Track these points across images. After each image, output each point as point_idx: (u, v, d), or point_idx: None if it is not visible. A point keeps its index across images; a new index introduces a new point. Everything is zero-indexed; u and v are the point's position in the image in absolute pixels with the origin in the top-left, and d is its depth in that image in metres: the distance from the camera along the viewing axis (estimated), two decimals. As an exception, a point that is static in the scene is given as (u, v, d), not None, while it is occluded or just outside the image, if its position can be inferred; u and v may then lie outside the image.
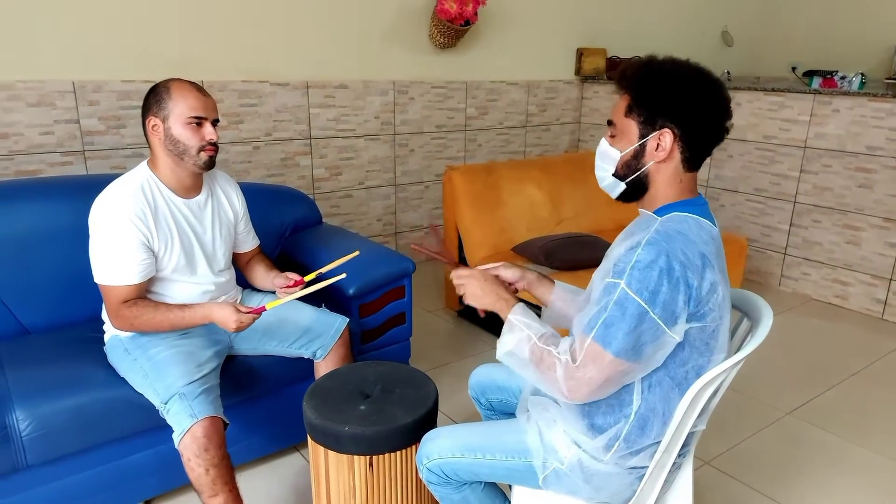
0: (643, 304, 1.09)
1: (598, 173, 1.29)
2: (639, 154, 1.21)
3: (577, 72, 4.36)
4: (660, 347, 1.12)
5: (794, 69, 5.03)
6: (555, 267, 2.73)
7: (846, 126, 3.28)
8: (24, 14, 2.45)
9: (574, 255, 2.75)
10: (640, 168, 1.22)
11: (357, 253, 1.82)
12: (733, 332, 1.40)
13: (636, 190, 1.25)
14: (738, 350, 1.34)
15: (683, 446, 1.25)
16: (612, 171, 1.25)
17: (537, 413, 1.33)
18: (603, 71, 4.36)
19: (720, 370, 1.16)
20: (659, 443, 1.22)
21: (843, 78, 3.72)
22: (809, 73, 4.76)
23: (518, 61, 4.06)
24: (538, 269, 2.73)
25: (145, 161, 1.72)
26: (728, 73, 4.35)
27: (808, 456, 2.18)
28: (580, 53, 4.30)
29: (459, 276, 1.37)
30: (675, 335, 1.12)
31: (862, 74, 3.65)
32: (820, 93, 3.36)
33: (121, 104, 2.75)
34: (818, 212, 3.47)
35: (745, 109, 3.65)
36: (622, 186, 1.26)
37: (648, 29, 4.61)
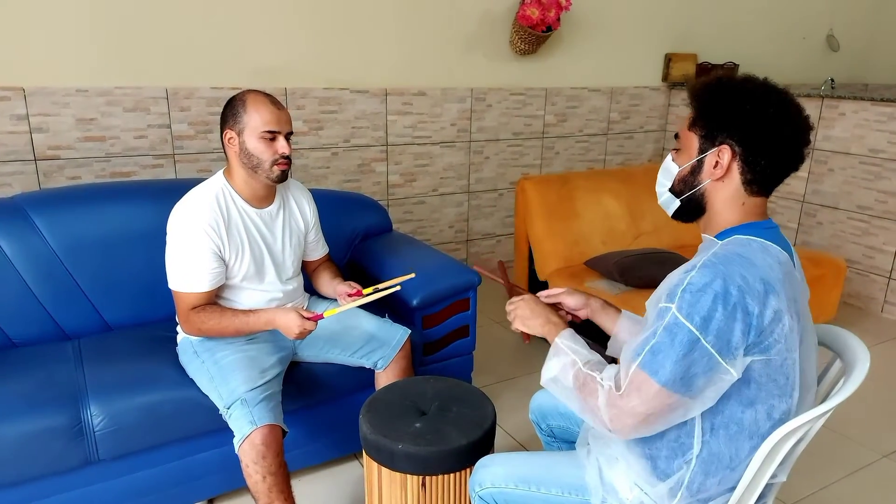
0: (694, 330, 1.00)
1: (658, 188, 1.24)
2: (696, 170, 1.15)
3: (665, 78, 4.17)
4: (713, 382, 1.02)
5: (907, 76, 4.62)
6: (630, 284, 2.61)
7: (968, 140, 2.97)
8: (121, 24, 2.59)
9: (651, 273, 2.61)
10: (697, 185, 1.15)
11: (412, 275, 1.81)
12: (823, 375, 1.28)
13: (692, 209, 1.19)
14: (828, 395, 1.22)
15: (760, 498, 1.15)
16: (669, 186, 1.20)
17: (598, 448, 1.26)
18: (693, 77, 4.16)
19: (805, 419, 1.04)
20: (730, 491, 1.12)
21: (965, 86, 3.38)
22: (926, 81, 4.36)
23: (601, 67, 3.94)
24: (612, 286, 2.63)
25: (222, 170, 1.77)
26: (832, 80, 4.04)
27: (908, 507, 1.97)
28: (668, 59, 4.12)
29: (512, 302, 1.34)
30: (733, 370, 1.01)
31: None
32: (938, 103, 3.06)
33: (209, 110, 2.86)
34: (931, 234, 3.15)
35: (850, 120, 3.37)
36: (676, 203, 1.20)
37: (743, 32, 4.35)
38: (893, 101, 3.21)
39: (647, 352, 1.03)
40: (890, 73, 4.84)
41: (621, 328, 1.39)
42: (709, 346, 1.00)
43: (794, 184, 3.58)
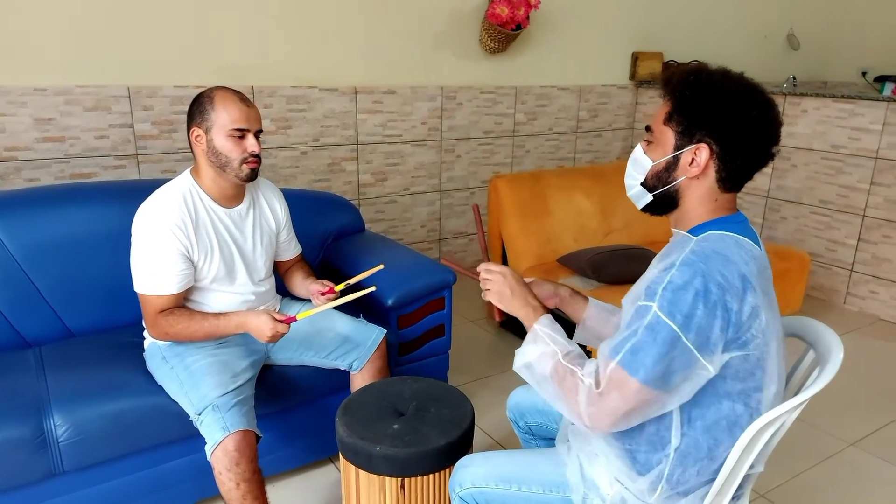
0: (676, 328, 1.00)
1: (627, 180, 1.21)
2: (671, 166, 1.13)
3: (632, 76, 4.22)
4: (690, 378, 1.03)
5: (864, 74, 4.77)
6: (602, 280, 2.62)
7: (923, 136, 3.06)
8: (81, 21, 2.51)
9: (623, 269, 2.63)
10: (671, 182, 1.14)
11: (381, 266, 1.79)
12: (796, 366, 1.29)
13: (664, 204, 1.17)
14: (801, 386, 1.24)
15: (738, 489, 1.16)
16: (642, 179, 1.18)
17: (578, 445, 1.25)
18: (659, 75, 4.21)
19: (783, 410, 1.06)
20: (709, 483, 1.13)
21: (919, 84, 3.49)
22: (881, 79, 4.51)
23: (570, 66, 3.96)
24: (585, 283, 2.64)
25: (189, 169, 1.72)
26: (794, 78, 4.14)
27: (873, 491, 2.02)
28: (635, 57, 4.17)
29: (489, 270, 1.27)
30: (710, 366, 1.02)
31: (942, 80, 3.40)
32: (894, 100, 3.14)
33: (173, 109, 2.79)
34: (889, 227, 3.24)
35: (812, 117, 3.45)
36: (648, 198, 1.18)
37: (708, 32, 4.43)
38: (853, 97, 3.30)
39: (628, 350, 1.03)
40: (847, 71, 4.98)
41: (589, 316, 1.39)
42: (689, 344, 1.00)
43: (759, 180, 3.65)
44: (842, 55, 5.06)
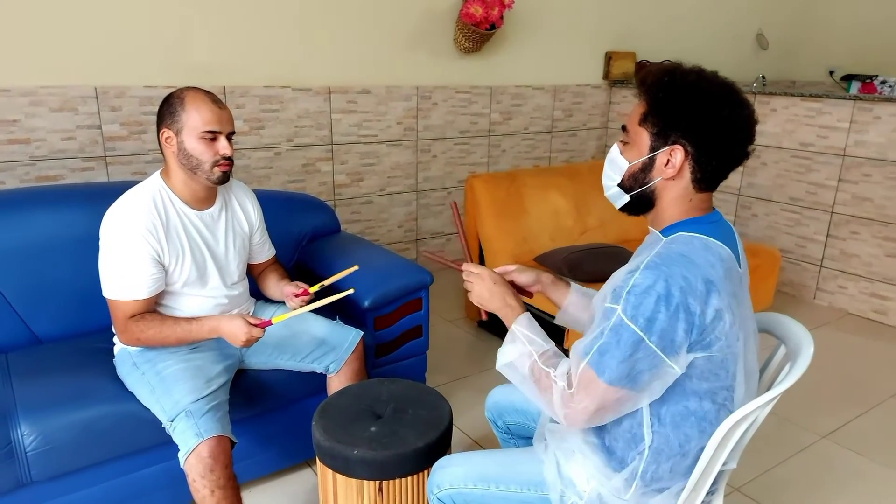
0: (639, 331, 1.01)
1: (605, 181, 1.23)
2: (647, 167, 1.14)
3: (606, 76, 4.25)
4: (658, 377, 1.05)
5: (831, 73, 4.87)
6: (578, 279, 2.63)
7: (888, 134, 3.13)
8: (46, 20, 2.45)
9: (599, 267, 2.65)
10: (647, 182, 1.15)
11: (355, 268, 1.78)
12: (768, 361, 1.31)
13: (641, 204, 1.19)
14: (773, 381, 1.25)
15: (713, 485, 1.17)
16: (619, 180, 1.19)
17: (555, 443, 1.26)
18: (632, 75, 4.25)
19: (755, 406, 1.07)
20: (683, 479, 1.14)
21: (883, 83, 3.57)
22: (848, 78, 4.60)
23: (544, 65, 3.98)
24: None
25: (159, 171, 1.69)
26: (763, 77, 4.20)
27: (844, 483, 2.06)
28: (609, 57, 4.20)
29: (469, 272, 1.31)
30: (676, 366, 1.04)
31: (905, 79, 3.49)
32: (860, 99, 3.21)
33: (143, 109, 2.74)
34: (857, 223, 3.31)
35: (781, 115, 3.51)
36: (626, 198, 1.19)
37: (680, 31, 4.48)
38: (821, 96, 3.36)
39: (595, 351, 1.05)
40: (815, 70, 5.08)
41: (571, 302, 1.41)
42: (653, 346, 1.02)
43: (731, 177, 3.66)
44: (809, 55, 5.16)
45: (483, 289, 1.28)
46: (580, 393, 1.07)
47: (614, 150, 1.20)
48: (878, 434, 2.33)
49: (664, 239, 1.12)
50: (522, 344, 1.18)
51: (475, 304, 1.30)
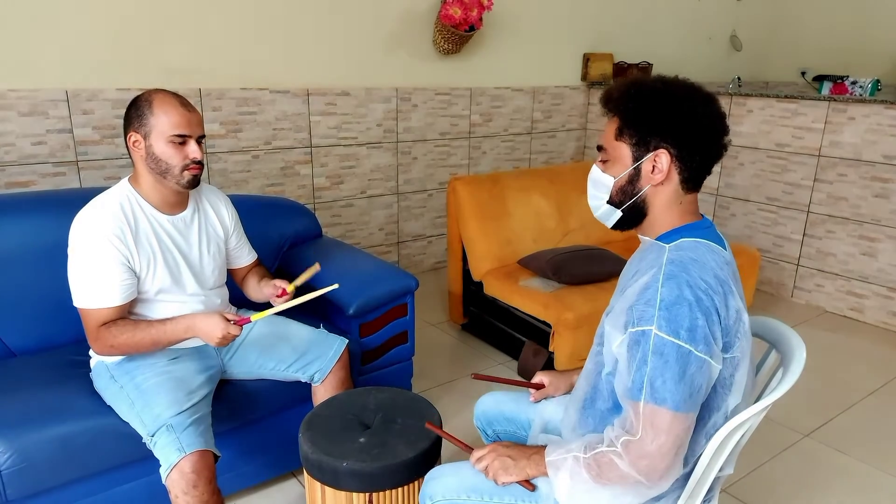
0: (684, 344, 0.99)
1: (592, 202, 1.22)
2: (634, 178, 1.14)
3: (584, 77, 4.27)
4: (711, 383, 1.04)
5: (803, 74, 4.94)
6: (563, 282, 2.63)
7: (862, 134, 3.19)
8: (15, 22, 2.37)
9: (584, 269, 2.65)
10: (637, 193, 1.15)
11: (317, 267, 1.76)
12: (760, 365, 1.31)
13: (634, 216, 1.18)
14: (766, 385, 1.25)
15: (709, 491, 1.16)
16: (607, 198, 1.18)
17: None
18: (610, 76, 4.27)
19: (753, 412, 1.06)
20: (680, 487, 1.13)
21: (854, 83, 3.62)
22: (819, 78, 4.67)
23: (523, 67, 3.98)
24: (546, 284, 2.64)
25: (127, 177, 1.64)
26: (738, 79, 4.25)
27: (829, 481, 2.08)
28: (587, 59, 4.22)
29: (478, 459, 1.23)
30: (720, 366, 1.04)
31: (877, 80, 3.55)
32: (835, 100, 3.27)
33: (115, 113, 2.67)
34: (832, 222, 3.37)
35: (757, 116, 3.56)
36: (618, 214, 1.19)
37: (656, 33, 4.52)
38: (796, 97, 3.41)
39: (646, 383, 1.00)
40: (787, 71, 5.15)
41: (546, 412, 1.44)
42: (702, 355, 1.00)
43: (709, 178, 3.71)
44: (781, 56, 5.25)
45: (498, 464, 1.20)
46: (649, 433, 1.00)
47: (595, 171, 1.20)
48: (858, 432, 2.36)
49: (666, 246, 1.11)
50: (564, 460, 1.11)
51: (502, 480, 1.19)
